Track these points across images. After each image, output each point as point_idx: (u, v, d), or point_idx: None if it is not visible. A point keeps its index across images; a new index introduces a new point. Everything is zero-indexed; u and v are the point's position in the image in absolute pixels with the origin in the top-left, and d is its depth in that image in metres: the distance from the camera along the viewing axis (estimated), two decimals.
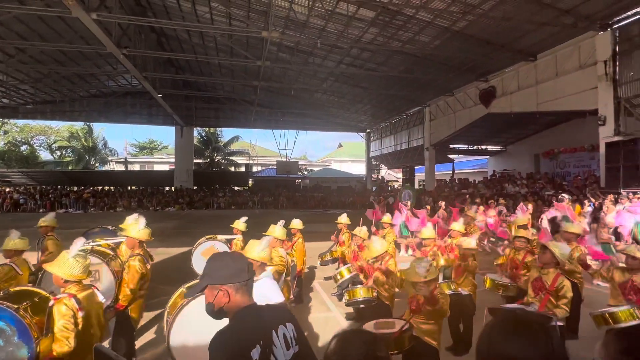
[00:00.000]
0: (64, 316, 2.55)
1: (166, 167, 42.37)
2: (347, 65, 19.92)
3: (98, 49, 15.62)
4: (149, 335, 4.99)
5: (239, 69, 24.46)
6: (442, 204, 12.53)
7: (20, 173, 32.67)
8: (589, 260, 5.32)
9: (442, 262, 4.84)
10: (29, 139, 42.99)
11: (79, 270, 2.76)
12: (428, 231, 5.44)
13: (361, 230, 5.80)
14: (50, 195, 27.71)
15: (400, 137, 30.08)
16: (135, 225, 4.27)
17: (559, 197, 13.13)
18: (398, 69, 18.75)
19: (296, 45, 18.52)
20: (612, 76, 12.56)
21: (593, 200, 12.45)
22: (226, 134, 42.14)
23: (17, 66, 19.62)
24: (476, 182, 24.27)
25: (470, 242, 4.66)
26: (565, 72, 14.50)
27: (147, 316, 5.21)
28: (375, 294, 4.32)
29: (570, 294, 3.48)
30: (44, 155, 43.83)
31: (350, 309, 5.24)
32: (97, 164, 41.92)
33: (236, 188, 34.65)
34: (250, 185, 36.27)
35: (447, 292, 3.79)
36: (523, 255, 4.77)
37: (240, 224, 6.17)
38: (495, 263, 5.39)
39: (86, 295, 2.79)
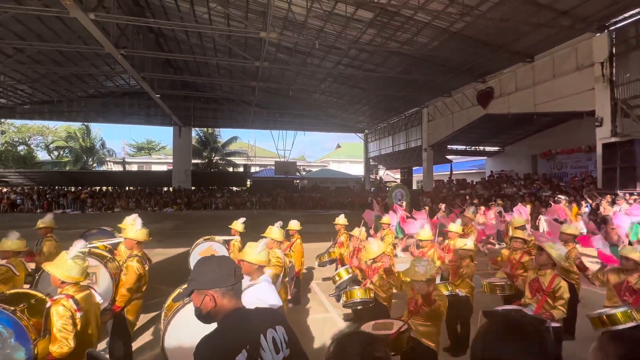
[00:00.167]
0: (62, 317, 2.55)
1: (164, 168, 42.28)
2: (345, 66, 19.94)
3: (96, 49, 15.58)
4: (147, 336, 4.98)
5: (237, 70, 24.45)
6: (443, 206, 12.54)
7: (18, 173, 32.55)
8: (587, 262, 5.32)
9: (437, 263, 4.85)
10: (27, 139, 42.83)
11: (76, 272, 2.76)
12: (425, 233, 5.44)
13: (359, 231, 5.80)
14: (47, 196, 27.59)
15: (398, 138, 30.12)
16: (132, 227, 4.27)
17: (556, 198, 13.19)
18: (396, 70, 18.78)
19: (294, 46, 18.53)
20: (609, 77, 12.62)
21: (590, 201, 12.51)
22: (224, 134, 42.24)
23: (15, 66, 19.54)
24: (474, 183, 24.34)
25: (467, 243, 4.67)
26: (562, 73, 14.56)
27: (145, 317, 5.20)
28: (372, 295, 4.33)
29: (567, 295, 3.49)
30: (42, 156, 43.79)
31: (348, 310, 5.24)
32: (94, 165, 41.81)
33: (234, 188, 34.65)
34: (248, 186, 36.25)
35: (445, 292, 3.80)
36: (520, 255, 4.81)
37: (238, 224, 6.17)
38: (490, 262, 5.41)
39: (84, 296, 2.78)
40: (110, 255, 4.48)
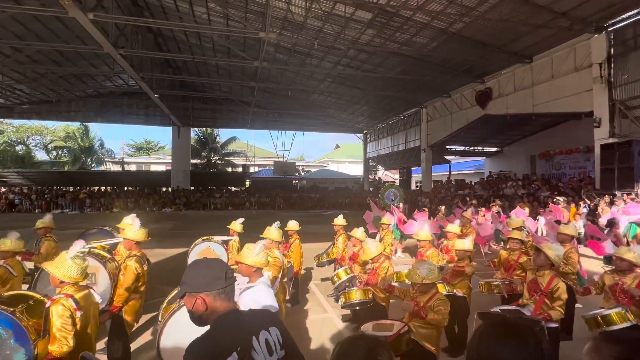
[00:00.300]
0: (61, 316, 2.55)
1: (163, 168, 42.21)
2: (344, 66, 19.95)
3: (95, 49, 15.54)
4: (146, 337, 4.97)
5: (236, 70, 24.43)
6: (442, 208, 12.56)
7: (16, 173, 32.44)
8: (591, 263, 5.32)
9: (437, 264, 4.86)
10: (25, 139, 42.71)
11: (75, 272, 2.76)
12: (424, 233, 5.45)
13: (357, 232, 5.80)
14: (46, 196, 27.54)
15: (397, 138, 30.14)
16: (131, 227, 4.28)
17: (555, 200, 13.21)
18: (395, 71, 18.81)
19: (293, 46, 18.53)
20: (607, 78, 12.66)
21: (588, 201, 12.55)
22: (223, 134, 42.23)
23: (13, 66, 19.50)
24: (473, 184, 24.38)
25: (465, 243, 4.68)
26: (560, 74, 14.60)
27: (144, 318, 5.20)
28: (371, 295, 4.34)
29: (565, 296, 3.50)
30: (40, 156, 43.65)
31: (347, 311, 5.26)
32: (93, 165, 41.72)
33: (233, 189, 34.59)
34: (247, 186, 36.22)
35: (443, 292, 3.81)
36: (517, 256, 4.83)
37: (236, 225, 6.17)
38: (487, 263, 5.43)
39: (83, 295, 2.79)
40: (109, 256, 4.48)
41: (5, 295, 2.95)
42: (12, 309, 2.60)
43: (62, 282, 2.74)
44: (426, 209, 12.67)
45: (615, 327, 3.35)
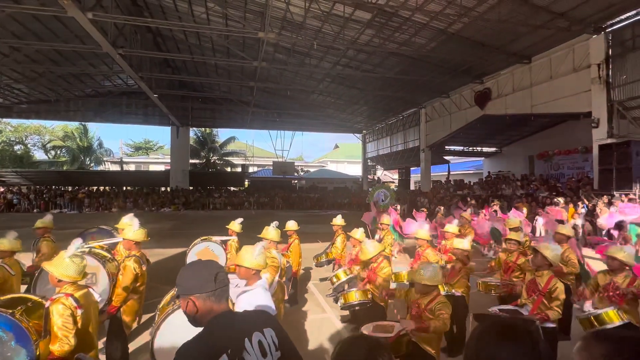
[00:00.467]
0: (62, 315, 2.55)
1: (162, 168, 42.15)
2: (343, 66, 19.95)
3: (94, 49, 15.53)
4: (145, 337, 4.95)
5: (236, 70, 24.41)
6: (442, 209, 12.56)
7: (14, 173, 32.34)
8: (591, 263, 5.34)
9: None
10: (24, 139, 42.60)
11: (73, 271, 2.76)
12: (423, 232, 5.45)
13: (357, 232, 5.80)
14: (44, 196, 27.49)
15: (396, 139, 30.16)
16: (130, 227, 4.27)
17: (555, 200, 13.23)
18: (394, 71, 18.82)
19: (293, 46, 18.53)
20: (606, 79, 12.68)
21: (586, 202, 12.58)
22: (222, 134, 42.18)
23: (12, 65, 19.46)
24: (471, 184, 24.40)
25: (463, 243, 4.69)
26: (559, 74, 14.63)
27: (143, 317, 5.19)
28: (370, 296, 4.33)
29: (563, 296, 3.52)
30: (39, 155, 43.52)
31: (346, 311, 5.26)
32: (92, 164, 41.63)
33: (232, 189, 34.57)
34: (246, 186, 36.19)
35: (442, 292, 3.81)
36: (515, 257, 4.83)
37: (235, 225, 6.17)
38: (487, 271, 5.43)
39: (82, 294, 2.79)
40: (109, 255, 4.48)
41: (2, 299, 2.93)
42: (11, 311, 2.60)
43: (60, 281, 2.74)
44: (425, 210, 12.65)
45: (608, 327, 3.38)
